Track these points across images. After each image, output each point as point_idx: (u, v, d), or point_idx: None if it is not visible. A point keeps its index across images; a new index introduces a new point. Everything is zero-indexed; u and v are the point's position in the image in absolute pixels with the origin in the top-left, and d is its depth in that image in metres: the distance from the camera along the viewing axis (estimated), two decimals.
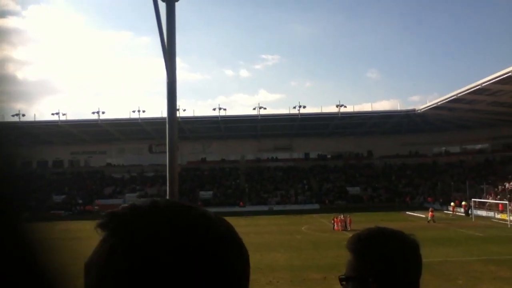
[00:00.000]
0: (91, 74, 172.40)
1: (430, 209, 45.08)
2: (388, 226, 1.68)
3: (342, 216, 38.07)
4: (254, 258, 25.39)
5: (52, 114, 63.88)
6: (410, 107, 67.21)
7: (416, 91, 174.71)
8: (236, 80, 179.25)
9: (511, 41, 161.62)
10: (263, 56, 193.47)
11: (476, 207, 48.54)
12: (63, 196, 67.66)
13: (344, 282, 1.58)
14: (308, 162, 79.29)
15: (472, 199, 50.43)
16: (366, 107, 79.62)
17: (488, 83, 45.87)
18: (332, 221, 38.14)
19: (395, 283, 1.53)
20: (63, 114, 64.68)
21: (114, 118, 66.59)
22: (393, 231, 1.64)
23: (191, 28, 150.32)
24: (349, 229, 35.31)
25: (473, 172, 66.73)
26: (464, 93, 50.88)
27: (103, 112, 65.58)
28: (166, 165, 5.25)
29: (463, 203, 51.76)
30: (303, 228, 39.72)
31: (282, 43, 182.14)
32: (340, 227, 36.67)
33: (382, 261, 1.54)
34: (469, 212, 47.74)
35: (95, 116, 65.36)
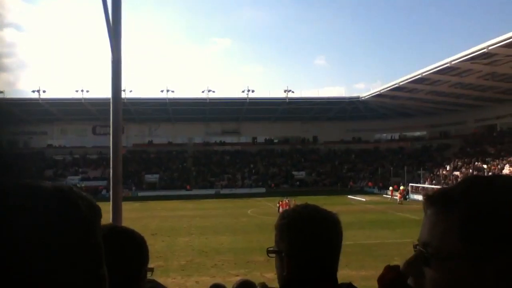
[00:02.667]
0: (32, 50, 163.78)
1: (399, 190, 48.51)
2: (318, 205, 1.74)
3: (286, 199, 38.99)
4: (200, 242, 25.62)
5: None
6: (354, 94, 69.10)
7: (361, 79, 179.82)
8: (186, 63, 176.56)
9: (451, 33, 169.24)
10: (214, 39, 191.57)
11: (413, 192, 50.93)
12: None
13: (270, 255, 1.69)
14: (255, 146, 79.85)
15: (410, 184, 52.89)
16: (313, 93, 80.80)
17: (428, 72, 47.80)
18: (278, 205, 38.90)
19: (304, 257, 1.60)
20: (0, 92, 61.24)
21: (56, 98, 63.74)
22: (313, 208, 1.68)
23: (139, 5, 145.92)
24: None
25: (411, 158, 69.85)
26: (405, 81, 52.81)
27: (44, 91, 62.67)
28: (110, 147, 5.13)
29: (401, 187, 54.03)
30: (249, 211, 40.14)
31: (234, 27, 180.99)
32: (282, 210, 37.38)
33: (293, 236, 1.62)
34: (407, 196, 49.97)
35: (35, 95, 62.30)
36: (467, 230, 0.79)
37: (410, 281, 0.87)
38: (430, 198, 0.89)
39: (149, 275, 1.84)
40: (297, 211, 1.70)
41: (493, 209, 0.79)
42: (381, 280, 2.73)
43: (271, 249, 1.69)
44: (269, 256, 1.71)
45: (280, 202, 38.97)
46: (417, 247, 0.87)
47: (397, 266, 2.82)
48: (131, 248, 1.69)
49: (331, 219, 1.66)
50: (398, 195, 47.83)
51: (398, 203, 44.81)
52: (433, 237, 0.85)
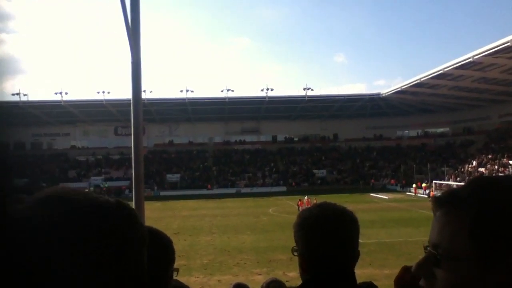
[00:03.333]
0: (54, 54, 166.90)
1: (414, 186, 48.43)
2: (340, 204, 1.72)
3: (306, 198, 38.89)
4: (222, 241, 25.73)
5: (13, 94, 61.62)
6: (375, 91, 68.39)
7: (381, 76, 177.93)
8: (205, 62, 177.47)
9: (472, 28, 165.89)
10: (233, 38, 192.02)
11: (437, 189, 50.18)
12: (25, 180, 65.77)
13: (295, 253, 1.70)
14: (275, 145, 79.74)
15: (433, 181, 52.10)
16: (332, 90, 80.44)
17: (449, 68, 47.04)
18: (297, 204, 38.92)
19: (318, 256, 1.60)
20: (24, 95, 62.60)
21: (78, 99, 64.87)
22: (327, 207, 1.69)
23: (157, 6, 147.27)
24: None
25: (434, 155, 68.78)
26: (426, 77, 52.07)
27: (66, 93, 63.81)
28: (131, 147, 5.18)
29: (424, 185, 53.52)
30: (270, 210, 40.12)
31: (252, 26, 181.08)
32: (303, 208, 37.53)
33: (306, 235, 1.64)
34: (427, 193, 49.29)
35: (58, 97, 63.49)
36: (477, 231, 0.79)
37: (421, 283, 0.87)
38: (439, 200, 0.88)
39: (174, 276, 1.85)
40: (309, 209, 1.70)
41: (503, 210, 0.78)
42: (399, 281, 2.67)
43: (295, 247, 1.70)
44: (294, 255, 1.70)
45: (300, 201, 38.95)
46: (428, 248, 0.86)
47: None
48: (158, 249, 1.69)
49: (343, 217, 1.64)
50: (428, 191, 47.36)
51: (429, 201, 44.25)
52: (443, 238, 0.84)
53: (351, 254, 1.62)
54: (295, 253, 1.69)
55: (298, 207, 38.49)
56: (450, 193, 0.87)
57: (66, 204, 0.66)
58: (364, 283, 1.73)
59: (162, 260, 1.72)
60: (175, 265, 1.89)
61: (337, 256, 1.59)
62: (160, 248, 1.73)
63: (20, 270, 0.59)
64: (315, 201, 36.19)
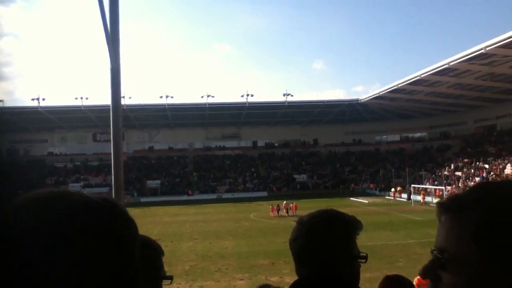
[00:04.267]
0: (30, 58, 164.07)
1: (422, 192, 49.28)
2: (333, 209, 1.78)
3: (284, 202, 40.65)
4: (203, 246, 25.60)
5: None
6: (354, 97, 69.10)
7: (360, 82, 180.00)
8: (185, 68, 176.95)
9: (448, 35, 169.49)
10: (213, 45, 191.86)
11: (415, 193, 50.92)
12: (0, 188, 64.33)
13: None
14: (255, 150, 79.83)
15: (412, 185, 52.88)
16: (312, 96, 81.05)
17: (426, 74, 47.80)
18: (271, 209, 40.05)
19: (308, 261, 1.65)
20: (0, 101, 61.35)
21: (56, 105, 63.82)
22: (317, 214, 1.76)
23: (137, 12, 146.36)
24: (295, 214, 37.07)
25: (412, 160, 69.79)
26: (404, 83, 52.85)
27: (43, 99, 62.74)
28: (111, 153, 5.15)
29: (398, 188, 54.92)
30: (251, 215, 40.12)
31: (232, 33, 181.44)
32: (273, 213, 39.30)
33: (296, 242, 1.68)
34: (410, 197, 50.03)
35: (35, 103, 62.37)
36: (482, 234, 0.80)
37: (429, 285, 0.89)
38: (444, 205, 0.90)
39: (167, 283, 1.81)
40: (302, 218, 1.75)
41: (506, 214, 0.79)
42: None
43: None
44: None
45: (272, 206, 40.25)
46: (434, 252, 0.88)
47: (398, 277, 2.79)
48: (148, 250, 1.68)
49: (335, 222, 1.71)
50: (422, 195, 48.42)
51: (420, 204, 45.47)
52: (449, 242, 0.86)
53: (343, 258, 1.67)
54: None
55: (278, 210, 39.42)
56: (455, 198, 0.89)
57: (61, 203, 0.67)
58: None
59: (151, 265, 1.70)
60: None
61: (328, 262, 1.63)
62: (149, 253, 1.71)
63: (18, 269, 0.59)
64: (294, 205, 36.57)
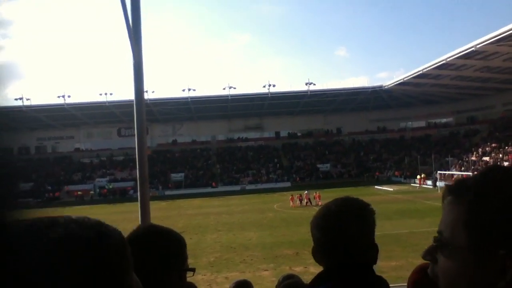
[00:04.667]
0: (55, 57, 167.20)
1: (418, 177, 50.83)
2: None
3: (305, 192, 40.65)
4: (228, 238, 25.81)
5: (16, 99, 61.78)
6: (377, 84, 68.19)
7: (384, 68, 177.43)
8: (206, 60, 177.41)
9: (474, 18, 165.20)
10: (233, 35, 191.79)
11: (442, 179, 50.06)
12: (31, 184, 66.07)
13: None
14: (278, 140, 79.74)
15: (438, 172, 52.03)
16: (335, 84, 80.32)
17: (452, 58, 46.83)
18: (291, 199, 40.15)
19: (333, 249, 1.63)
20: (27, 99, 62.75)
21: (81, 102, 65.07)
22: (341, 201, 1.72)
23: (158, 5, 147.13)
24: (319, 204, 36.75)
25: (438, 146, 68.59)
26: (429, 68, 51.85)
27: (68, 96, 64.02)
28: (135, 148, 5.21)
29: (423, 175, 54.28)
30: (275, 206, 40.16)
31: (252, 22, 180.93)
32: (294, 203, 39.34)
33: (320, 230, 1.67)
34: (436, 184, 49.26)
35: (60, 100, 63.69)
36: (471, 221, 0.80)
37: (429, 268, 0.90)
38: (447, 188, 0.90)
39: (190, 275, 1.80)
40: (325, 205, 1.73)
41: (497, 200, 0.78)
42: (417, 285, 2.66)
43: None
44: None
45: (291, 196, 40.34)
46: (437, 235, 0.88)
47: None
48: (170, 247, 1.67)
49: (365, 211, 1.68)
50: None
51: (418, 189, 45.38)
52: (445, 226, 0.86)
53: (368, 246, 1.66)
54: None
55: (300, 200, 39.45)
56: (458, 181, 0.88)
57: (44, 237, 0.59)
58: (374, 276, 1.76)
59: (174, 258, 1.67)
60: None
61: (358, 248, 1.63)
62: (173, 245, 1.69)
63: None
64: (318, 194, 36.48)
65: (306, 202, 39.45)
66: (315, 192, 40.19)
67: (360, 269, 1.62)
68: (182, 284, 1.71)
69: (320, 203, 37.23)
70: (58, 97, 63.58)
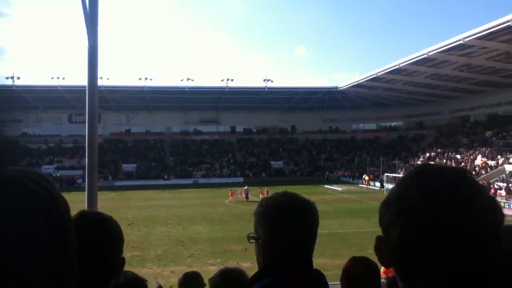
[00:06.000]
0: (7, 35, 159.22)
1: (365, 178, 53.20)
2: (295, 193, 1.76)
3: (246, 187, 42.34)
4: (177, 231, 25.57)
5: None
6: (334, 85, 69.49)
7: (341, 70, 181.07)
8: (165, 51, 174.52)
9: (427, 26, 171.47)
10: (195, 27, 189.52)
11: (389, 181, 51.80)
12: None
13: (250, 241, 1.74)
14: (234, 135, 79.73)
15: (385, 174, 53.79)
16: (294, 84, 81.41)
17: (405, 63, 48.28)
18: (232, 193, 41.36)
19: (280, 243, 1.63)
20: None
21: (31, 85, 62.24)
22: (290, 196, 1.72)
23: None
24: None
25: (387, 148, 70.84)
26: (382, 72, 53.28)
27: (18, 78, 61.09)
28: (86, 135, 5.07)
29: (366, 177, 56.15)
30: (226, 201, 40.21)
31: (215, 16, 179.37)
32: (234, 198, 40.52)
33: (269, 223, 1.66)
34: (383, 185, 50.88)
35: (9, 82, 60.68)
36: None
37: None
38: None
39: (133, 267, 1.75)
40: (274, 198, 1.72)
41: (384, 206, 0.97)
42: (347, 272, 2.76)
43: (251, 235, 1.72)
44: (249, 242, 1.74)
45: (231, 191, 41.45)
46: None
47: (363, 258, 2.86)
48: (102, 233, 1.60)
49: (307, 207, 1.69)
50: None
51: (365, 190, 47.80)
52: None
53: (312, 242, 1.68)
54: (251, 241, 1.73)
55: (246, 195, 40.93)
56: None
57: None
58: (315, 269, 1.78)
59: (106, 244, 1.58)
60: (128, 255, 1.81)
61: (300, 244, 1.64)
62: (106, 231, 1.63)
63: None
64: (266, 190, 37.14)
65: (246, 197, 40.74)
66: (260, 188, 41.02)
67: (298, 264, 1.63)
68: (117, 271, 1.66)
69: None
70: (7, 78, 60.60)
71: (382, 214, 0.96)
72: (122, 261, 1.67)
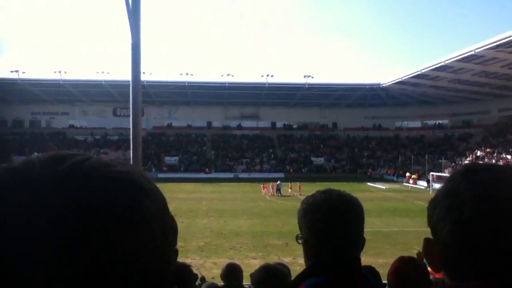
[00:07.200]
0: (54, 31, 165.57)
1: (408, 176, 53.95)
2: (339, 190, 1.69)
3: (278, 182, 42.44)
4: (218, 224, 25.84)
5: (11, 71, 61.16)
6: (376, 81, 68.08)
7: (383, 66, 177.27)
8: (206, 47, 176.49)
9: (475, 21, 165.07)
10: (234, 23, 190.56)
11: (434, 181, 50.31)
12: (23, 157, 65.52)
13: (299, 241, 1.69)
14: (274, 131, 79.71)
15: (431, 173, 52.27)
16: (334, 79, 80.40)
17: (451, 60, 46.79)
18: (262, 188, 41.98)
19: (323, 243, 1.59)
20: (23, 72, 62.09)
21: (77, 79, 64.54)
22: (332, 193, 1.65)
23: None
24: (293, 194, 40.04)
25: (432, 147, 68.85)
26: (427, 69, 51.83)
27: (65, 72, 63.39)
28: (130, 128, 5.18)
29: (412, 176, 55.07)
30: (267, 196, 40.27)
31: (255, 11, 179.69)
32: (266, 192, 41.04)
33: (310, 222, 1.62)
34: (429, 185, 49.51)
35: (57, 76, 63.09)
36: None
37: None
38: None
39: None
40: (314, 196, 1.66)
41: (431, 206, 0.93)
42: (397, 272, 2.66)
43: (299, 235, 1.67)
44: (298, 243, 1.69)
45: (263, 186, 41.87)
46: None
47: (412, 259, 2.77)
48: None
49: (350, 204, 1.62)
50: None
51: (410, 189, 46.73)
52: None
53: (357, 240, 1.61)
54: (299, 241, 1.67)
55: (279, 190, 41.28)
56: None
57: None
58: (364, 266, 1.73)
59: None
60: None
61: (343, 242, 1.58)
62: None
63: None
64: (298, 185, 37.45)
65: (278, 192, 41.02)
66: (290, 183, 42.06)
67: (346, 265, 1.57)
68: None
69: (293, 194, 39.95)
70: (55, 72, 62.94)
71: (431, 212, 0.93)
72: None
